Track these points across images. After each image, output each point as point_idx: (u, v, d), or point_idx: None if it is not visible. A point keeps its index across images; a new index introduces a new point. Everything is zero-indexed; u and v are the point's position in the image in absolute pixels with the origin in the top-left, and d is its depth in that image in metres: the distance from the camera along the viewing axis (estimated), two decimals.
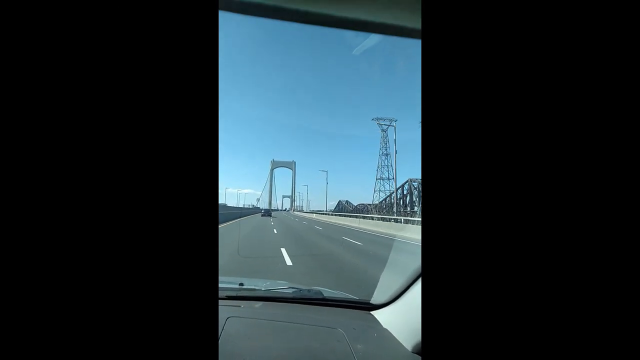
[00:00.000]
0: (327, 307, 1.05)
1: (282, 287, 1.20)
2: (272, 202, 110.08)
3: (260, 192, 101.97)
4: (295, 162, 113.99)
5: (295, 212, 62.56)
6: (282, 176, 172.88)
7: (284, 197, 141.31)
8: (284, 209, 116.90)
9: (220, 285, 1.10)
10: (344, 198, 67.88)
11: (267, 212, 34.66)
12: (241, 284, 1.17)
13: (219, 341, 0.68)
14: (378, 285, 1.14)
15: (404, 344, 0.79)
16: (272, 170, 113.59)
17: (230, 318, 0.80)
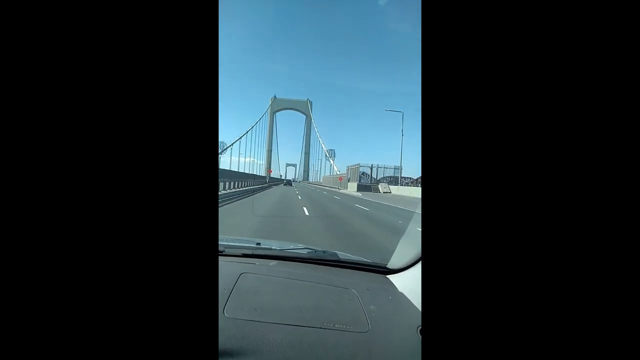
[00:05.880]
0: (342, 269, 1.05)
1: (298, 247, 1.22)
2: (271, 167, 70.89)
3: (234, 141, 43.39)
4: (311, 102, 72.86)
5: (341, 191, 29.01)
6: (285, 128, 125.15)
7: (287, 165, 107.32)
8: (295, 179, 76.63)
9: (237, 244, 1.18)
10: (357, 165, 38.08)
11: (289, 182, 42.35)
12: (258, 244, 1.19)
13: (231, 293, 0.70)
14: (396, 251, 1.07)
15: (419, 307, 0.78)
16: (272, 114, 72.92)
17: (244, 274, 0.82)
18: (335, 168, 45.35)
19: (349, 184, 32.49)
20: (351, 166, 36.84)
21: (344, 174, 37.79)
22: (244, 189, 15.89)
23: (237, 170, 26.79)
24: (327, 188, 35.58)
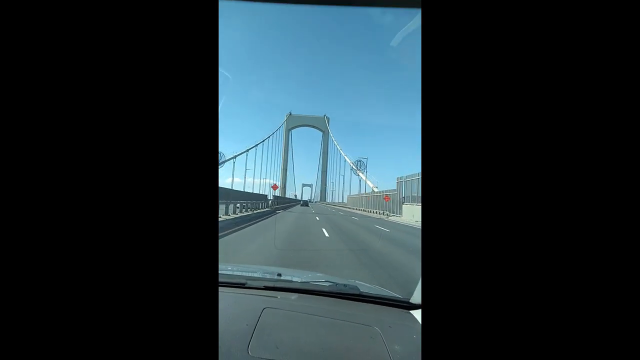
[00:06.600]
0: (364, 303, 1.02)
1: (319, 279, 1.23)
2: (286, 187, 63.52)
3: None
4: (328, 118, 66.99)
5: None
6: (300, 148, 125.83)
7: (303, 185, 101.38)
8: (310, 200, 68.91)
9: (258, 275, 1.29)
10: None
11: (305, 203, 38.47)
12: (279, 275, 1.22)
13: (255, 330, 0.71)
14: (419, 284, 1.01)
15: None
16: (287, 131, 67.01)
17: (267, 309, 0.83)
18: (370, 184, 32.10)
19: (405, 206, 19.59)
20: (407, 177, 21.45)
21: (391, 191, 24.47)
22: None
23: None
24: (362, 212, 25.04)
